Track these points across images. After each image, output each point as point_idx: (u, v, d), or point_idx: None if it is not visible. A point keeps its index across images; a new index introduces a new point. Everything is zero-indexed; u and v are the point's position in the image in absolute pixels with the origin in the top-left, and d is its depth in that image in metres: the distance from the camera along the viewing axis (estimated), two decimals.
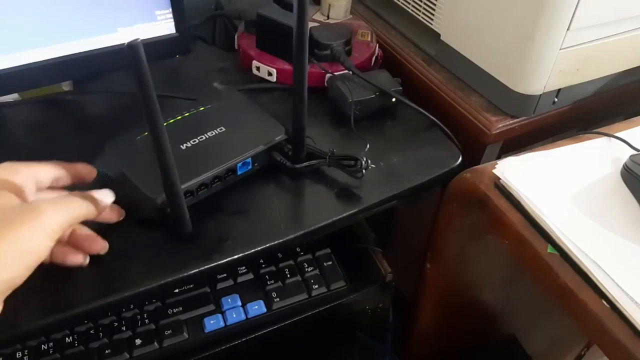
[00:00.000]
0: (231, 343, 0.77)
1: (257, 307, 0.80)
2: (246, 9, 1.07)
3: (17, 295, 0.54)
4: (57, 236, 0.55)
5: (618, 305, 0.59)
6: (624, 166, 0.76)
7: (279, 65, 0.94)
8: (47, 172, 0.64)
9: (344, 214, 0.74)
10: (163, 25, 0.86)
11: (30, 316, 0.60)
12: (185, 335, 0.76)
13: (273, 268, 0.85)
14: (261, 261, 0.86)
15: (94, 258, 0.66)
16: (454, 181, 0.78)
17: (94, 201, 0.63)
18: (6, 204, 0.54)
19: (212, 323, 0.78)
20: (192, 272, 0.66)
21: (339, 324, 0.89)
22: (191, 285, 0.81)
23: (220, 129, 0.76)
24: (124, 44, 0.50)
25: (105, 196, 0.64)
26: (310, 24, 0.99)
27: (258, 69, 0.96)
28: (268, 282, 0.83)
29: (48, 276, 0.64)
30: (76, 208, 0.60)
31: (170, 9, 0.85)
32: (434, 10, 0.96)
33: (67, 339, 0.72)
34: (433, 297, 0.94)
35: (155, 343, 0.74)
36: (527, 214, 0.70)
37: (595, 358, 1.11)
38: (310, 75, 0.85)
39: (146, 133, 0.57)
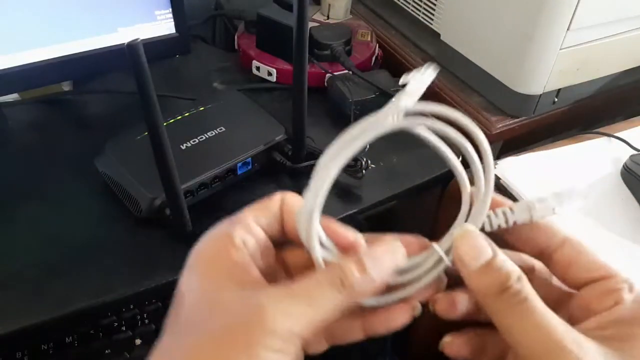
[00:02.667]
0: None
1: None
2: (246, 9, 1.07)
3: (15, 293, 0.54)
4: (295, 348, 0.33)
5: None
6: (624, 166, 0.76)
7: (278, 65, 0.94)
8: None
9: (344, 214, 0.74)
10: (163, 25, 0.86)
11: (29, 315, 0.60)
12: None
13: None
14: None
15: (93, 257, 0.66)
16: (454, 181, 0.78)
17: (362, 280, 0.35)
18: (218, 299, 0.35)
19: None
20: None
21: None
22: None
23: (220, 129, 0.76)
24: (123, 44, 0.50)
25: (382, 269, 0.37)
26: (310, 24, 0.99)
27: (258, 68, 0.96)
28: None
29: (46, 275, 0.64)
30: (325, 302, 0.34)
31: (170, 9, 0.85)
32: (434, 10, 0.96)
33: (67, 339, 0.72)
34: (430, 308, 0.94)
35: (155, 343, 0.74)
36: None
37: None
38: (310, 75, 0.85)
39: (146, 133, 0.57)
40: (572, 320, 0.34)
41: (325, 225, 0.39)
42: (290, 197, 0.42)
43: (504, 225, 0.38)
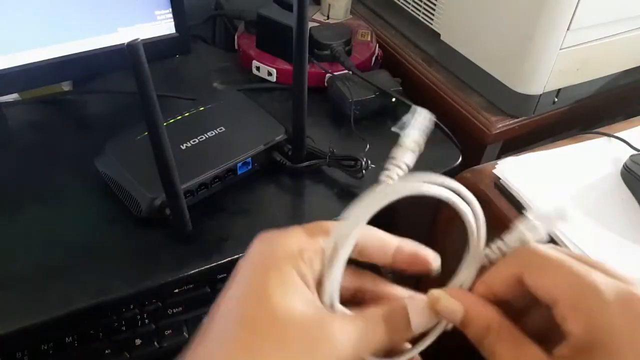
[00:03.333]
0: None
1: None
2: (246, 9, 1.07)
3: (15, 294, 0.54)
4: None
5: None
6: (624, 166, 0.76)
7: (278, 65, 0.94)
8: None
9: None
10: (163, 25, 0.86)
11: (29, 315, 0.60)
12: (186, 335, 0.76)
13: None
14: None
15: (93, 257, 0.66)
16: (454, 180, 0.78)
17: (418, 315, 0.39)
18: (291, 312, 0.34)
19: None
20: (192, 272, 0.66)
21: None
22: (191, 286, 0.81)
23: (220, 129, 0.76)
24: (123, 43, 0.50)
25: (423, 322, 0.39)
26: (310, 24, 1.00)
27: (258, 68, 0.96)
28: None
29: (46, 275, 0.64)
30: (375, 337, 0.37)
31: (170, 9, 0.85)
32: (434, 10, 0.96)
33: (66, 339, 0.72)
34: None
35: (156, 343, 0.74)
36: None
37: None
38: (310, 75, 0.85)
39: (146, 133, 0.57)
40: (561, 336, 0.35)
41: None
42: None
43: (501, 256, 0.40)
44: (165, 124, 0.57)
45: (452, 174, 0.80)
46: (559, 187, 0.74)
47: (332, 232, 0.38)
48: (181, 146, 0.73)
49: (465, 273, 0.41)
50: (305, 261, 0.36)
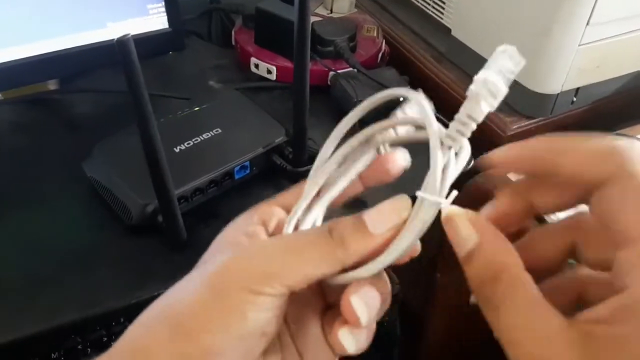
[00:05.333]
0: None
1: None
2: (244, 2, 1.07)
3: None
4: (276, 292, 0.33)
5: None
6: None
7: (278, 63, 0.95)
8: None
9: None
10: (155, 19, 0.86)
11: (12, 329, 0.60)
12: None
13: None
14: None
15: (81, 267, 0.66)
16: (465, 186, 0.78)
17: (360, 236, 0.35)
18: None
19: None
20: None
21: None
22: None
23: (216, 131, 0.76)
24: (113, 39, 0.50)
25: (384, 223, 0.35)
26: (313, 19, 1.00)
27: (257, 66, 0.96)
28: None
29: (31, 286, 0.64)
30: (315, 255, 0.34)
31: (163, 3, 0.85)
32: (444, 3, 0.97)
33: (52, 354, 0.72)
34: (444, 310, 0.94)
35: None
36: (545, 221, 0.70)
37: None
38: (312, 73, 0.85)
39: (137, 135, 0.57)
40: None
41: None
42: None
43: (465, 131, 0.36)
44: (157, 125, 0.57)
45: (463, 178, 0.80)
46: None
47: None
48: (175, 149, 0.73)
49: (352, 160, 0.40)
50: (250, 234, 0.39)
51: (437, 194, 0.33)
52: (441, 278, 0.87)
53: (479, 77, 0.34)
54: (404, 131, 0.39)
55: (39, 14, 0.77)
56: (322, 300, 0.40)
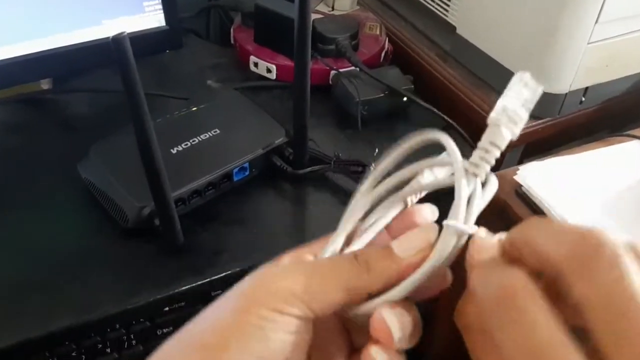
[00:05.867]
0: None
1: None
2: None
3: None
4: (302, 313, 0.33)
5: None
6: None
7: (279, 61, 0.95)
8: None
9: None
10: (152, 17, 0.86)
11: (3, 335, 0.60)
12: None
13: None
14: None
15: (76, 271, 0.66)
16: None
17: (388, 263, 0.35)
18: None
19: None
20: (184, 288, 0.66)
21: None
22: (183, 303, 0.81)
23: (214, 131, 0.76)
24: (109, 37, 0.50)
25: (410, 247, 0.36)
26: (313, 16, 1.00)
27: (256, 65, 0.96)
28: None
29: (23, 291, 0.64)
30: (340, 279, 0.35)
31: (160, 0, 0.85)
32: (449, 0, 0.97)
33: None
34: (449, 319, 0.94)
35: None
36: None
37: None
38: (313, 72, 0.85)
39: (133, 136, 0.57)
40: None
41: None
42: None
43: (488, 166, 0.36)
44: (154, 125, 0.57)
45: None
46: (586, 195, 0.74)
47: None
48: (172, 150, 0.73)
49: (380, 213, 0.40)
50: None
51: (461, 220, 0.34)
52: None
53: (498, 105, 0.34)
54: (431, 179, 0.39)
55: (32, 11, 0.77)
56: (348, 343, 0.40)
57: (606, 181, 0.76)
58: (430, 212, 0.40)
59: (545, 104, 0.85)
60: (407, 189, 0.39)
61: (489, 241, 0.34)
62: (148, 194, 0.63)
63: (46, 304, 0.63)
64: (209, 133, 0.76)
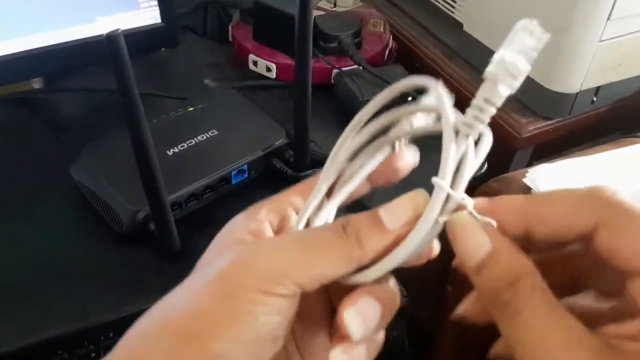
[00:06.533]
0: None
1: None
2: None
3: None
4: (290, 292, 0.33)
5: None
6: None
7: (278, 60, 0.95)
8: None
9: None
10: (147, 13, 0.86)
11: None
12: None
13: None
14: None
15: (68, 278, 0.66)
16: (478, 191, 0.78)
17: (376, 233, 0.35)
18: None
19: None
20: None
21: None
22: None
23: (212, 132, 0.76)
24: (102, 35, 0.50)
25: (399, 217, 0.35)
26: (315, 12, 1.00)
27: (255, 63, 0.96)
28: None
29: (15, 298, 0.64)
30: (331, 254, 0.34)
31: None
32: None
33: None
34: (455, 325, 0.94)
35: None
36: None
37: None
38: (315, 70, 0.85)
39: (128, 137, 0.57)
40: (624, 317, 0.32)
41: None
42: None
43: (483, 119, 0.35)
44: (149, 126, 0.57)
45: (476, 183, 0.80)
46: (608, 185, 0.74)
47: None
48: (168, 152, 0.73)
49: (366, 157, 0.39)
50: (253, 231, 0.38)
51: (448, 182, 0.33)
52: (452, 291, 0.87)
53: (496, 56, 0.33)
54: (422, 123, 0.38)
55: (23, 7, 0.77)
56: (328, 305, 0.40)
57: (619, 184, 0.76)
58: (411, 156, 0.40)
59: (556, 104, 0.85)
60: (396, 130, 0.38)
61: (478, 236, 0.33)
62: (143, 198, 0.63)
63: (38, 312, 0.63)
64: (207, 134, 0.76)
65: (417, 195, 0.35)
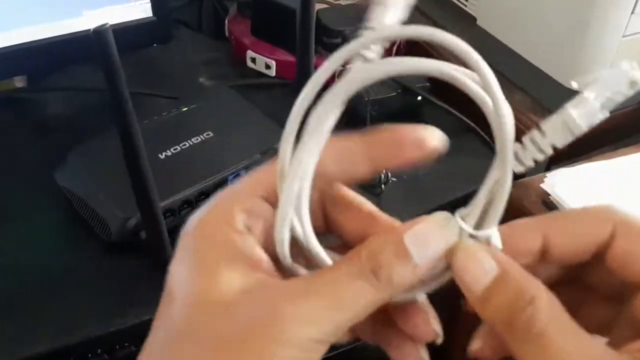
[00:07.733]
0: None
1: None
2: None
3: None
4: (317, 355, 0.32)
5: None
6: None
7: (278, 56, 0.95)
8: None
9: None
10: (138, 7, 0.86)
11: None
12: None
13: None
14: None
15: (55, 293, 0.66)
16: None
17: (402, 269, 0.33)
18: (218, 299, 0.33)
19: None
20: None
21: None
22: None
23: (207, 134, 0.76)
24: (89, 30, 0.51)
25: (429, 252, 0.33)
26: (317, 6, 1.00)
27: (253, 60, 0.96)
28: None
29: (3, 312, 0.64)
30: (354, 301, 0.32)
31: None
32: None
33: None
34: (468, 341, 0.94)
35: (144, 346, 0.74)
36: None
37: None
38: (317, 68, 0.85)
39: (117, 139, 0.57)
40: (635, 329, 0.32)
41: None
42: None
43: (539, 155, 0.34)
44: (140, 127, 0.57)
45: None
46: (620, 205, 0.73)
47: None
48: (160, 155, 0.73)
49: (491, 183, 0.36)
50: (239, 231, 0.35)
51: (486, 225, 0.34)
52: (465, 304, 0.87)
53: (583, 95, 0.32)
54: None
55: (4, 1, 0.77)
56: None
57: None
58: (430, 134, 0.35)
59: None
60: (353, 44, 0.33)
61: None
62: (133, 204, 0.63)
63: (21, 326, 0.63)
64: (201, 136, 0.76)
65: (445, 222, 0.34)
